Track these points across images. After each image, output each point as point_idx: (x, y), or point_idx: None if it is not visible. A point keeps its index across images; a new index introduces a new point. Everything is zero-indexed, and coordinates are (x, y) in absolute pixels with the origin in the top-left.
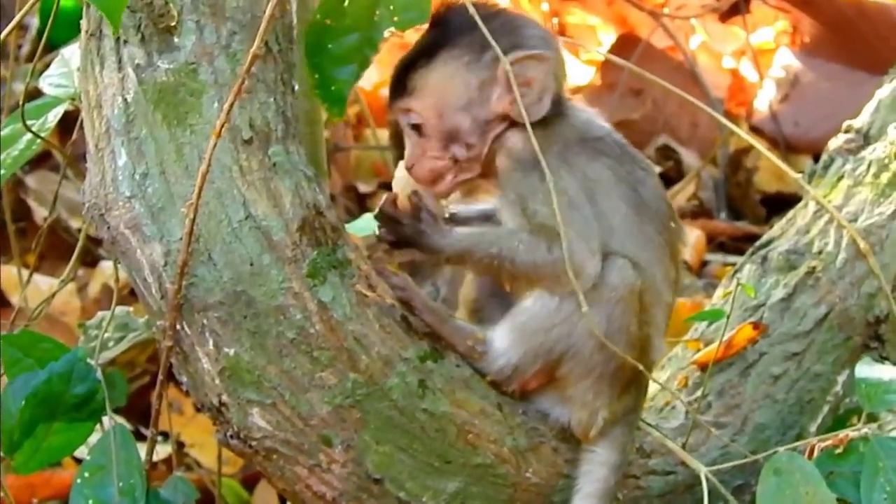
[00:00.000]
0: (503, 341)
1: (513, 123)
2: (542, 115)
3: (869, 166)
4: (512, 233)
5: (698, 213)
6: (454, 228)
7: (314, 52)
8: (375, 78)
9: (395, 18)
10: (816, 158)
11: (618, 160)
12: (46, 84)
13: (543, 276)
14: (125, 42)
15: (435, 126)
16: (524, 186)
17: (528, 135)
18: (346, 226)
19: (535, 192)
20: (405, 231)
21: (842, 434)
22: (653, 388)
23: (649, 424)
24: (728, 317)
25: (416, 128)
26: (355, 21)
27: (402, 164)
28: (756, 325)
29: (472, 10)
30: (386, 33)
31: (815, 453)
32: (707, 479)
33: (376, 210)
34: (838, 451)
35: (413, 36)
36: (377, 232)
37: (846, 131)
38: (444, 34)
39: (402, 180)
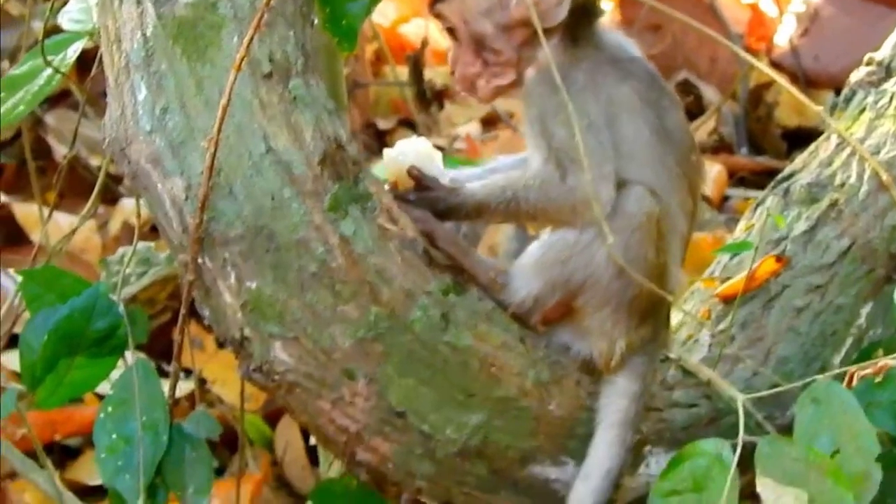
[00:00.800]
0: (523, 273)
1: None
2: (560, 19)
3: (891, 99)
4: (522, 173)
5: (719, 148)
6: (464, 186)
7: None
8: (393, 14)
9: None
10: (837, 92)
11: (647, 85)
12: (65, 20)
13: (560, 209)
14: None
15: (463, 31)
16: (547, 103)
17: (561, 50)
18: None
19: (557, 111)
20: (419, 206)
21: (881, 363)
22: (675, 321)
23: (675, 360)
24: (756, 249)
25: (451, 32)
26: None
27: (387, 150)
28: (779, 258)
29: None
30: None
31: (854, 382)
32: (742, 407)
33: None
34: (878, 380)
35: None
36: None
37: (867, 64)
38: None
39: (391, 162)
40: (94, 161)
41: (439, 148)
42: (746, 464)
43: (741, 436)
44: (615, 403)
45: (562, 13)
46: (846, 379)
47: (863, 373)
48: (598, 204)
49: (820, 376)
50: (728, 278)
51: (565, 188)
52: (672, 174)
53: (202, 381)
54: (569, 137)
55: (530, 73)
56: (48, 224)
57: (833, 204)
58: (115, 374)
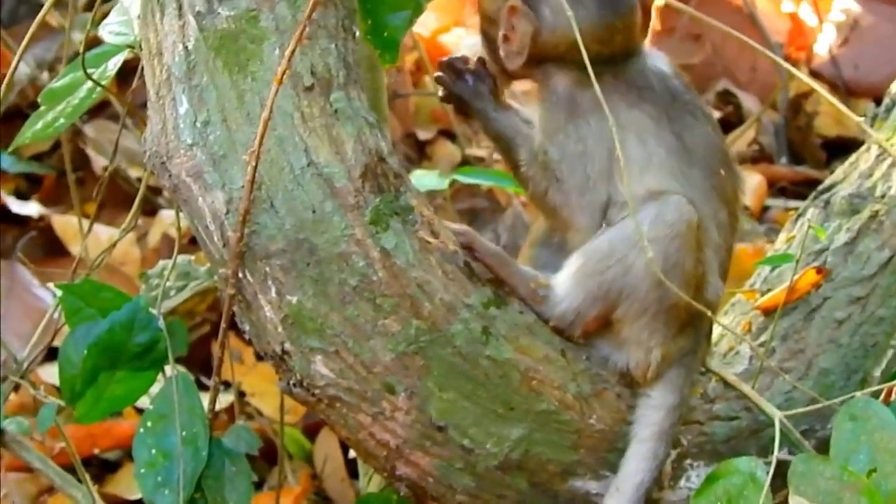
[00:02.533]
0: (564, 286)
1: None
2: (516, 67)
3: None
4: (538, 150)
5: (759, 158)
6: (508, 110)
7: None
8: (434, 24)
9: None
10: (877, 102)
11: (663, 108)
12: (106, 32)
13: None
14: None
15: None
16: (548, 121)
17: (571, 71)
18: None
19: (556, 132)
20: (462, 86)
21: None
22: (716, 333)
23: (714, 372)
24: (797, 261)
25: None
26: None
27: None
28: (819, 270)
29: None
30: None
31: (893, 397)
32: (783, 426)
33: (443, 60)
34: None
35: None
36: (435, 74)
37: None
38: None
39: (475, 46)
40: (134, 172)
41: (479, 159)
42: (784, 481)
43: (776, 454)
44: (650, 416)
45: (519, 61)
46: (884, 394)
47: None
48: (570, 231)
49: (858, 393)
50: (768, 290)
51: (548, 198)
52: (698, 188)
53: (241, 394)
54: (559, 160)
55: (542, 89)
56: (88, 236)
57: (874, 215)
58: (155, 387)
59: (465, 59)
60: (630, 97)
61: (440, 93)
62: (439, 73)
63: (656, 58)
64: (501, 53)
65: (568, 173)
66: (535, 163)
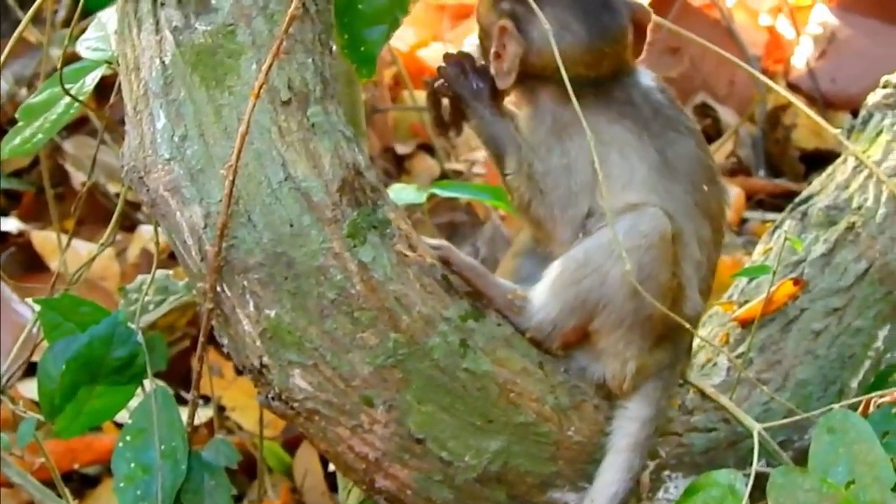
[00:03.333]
0: (541, 296)
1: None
2: (506, 86)
3: None
4: (523, 161)
5: (737, 170)
6: (504, 116)
7: (344, 12)
8: (412, 39)
9: None
10: (854, 115)
11: (644, 124)
12: (83, 48)
13: (528, 218)
14: (162, 4)
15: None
16: (532, 135)
17: (555, 87)
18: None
19: (541, 146)
20: (465, 84)
21: None
22: (694, 345)
23: (692, 384)
24: (774, 272)
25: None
26: None
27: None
28: (797, 281)
29: None
30: None
31: (871, 410)
32: (761, 437)
33: (450, 54)
34: (895, 409)
35: None
36: (439, 65)
37: (884, 86)
38: None
39: (477, 49)
40: (113, 188)
41: (457, 173)
42: (763, 493)
43: (754, 467)
44: (626, 428)
45: (508, 80)
46: (862, 406)
47: (880, 401)
48: (551, 243)
49: (836, 405)
50: (746, 302)
51: (530, 210)
52: (680, 203)
53: (221, 409)
54: (543, 173)
55: (529, 103)
56: (66, 252)
57: (850, 227)
58: (134, 402)
59: (471, 58)
60: (611, 114)
61: (437, 83)
62: (443, 65)
63: (642, 73)
64: (492, 70)
65: (552, 187)
66: (521, 174)
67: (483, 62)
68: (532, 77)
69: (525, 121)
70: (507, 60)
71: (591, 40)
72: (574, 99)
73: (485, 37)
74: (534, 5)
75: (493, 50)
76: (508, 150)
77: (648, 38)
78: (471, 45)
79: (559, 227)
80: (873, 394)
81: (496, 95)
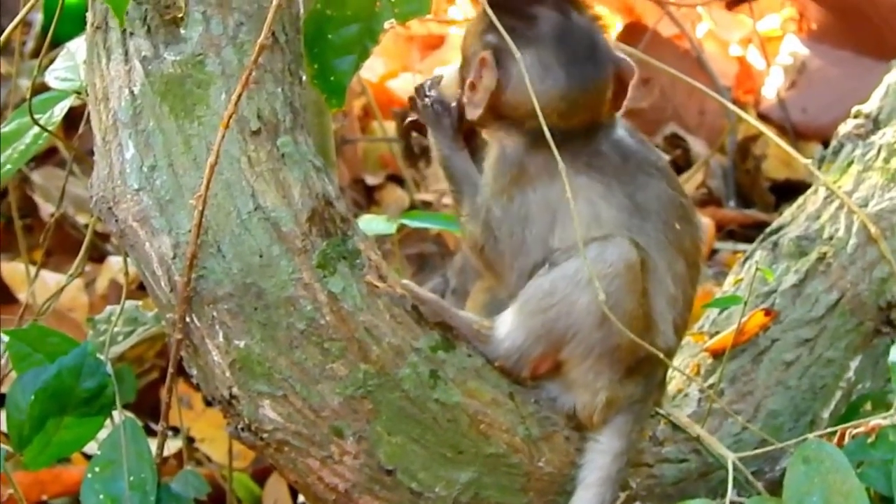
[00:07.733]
0: (507, 325)
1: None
2: (475, 118)
3: (879, 151)
4: (481, 206)
5: (707, 201)
6: (464, 152)
7: (314, 42)
8: (381, 70)
9: (396, 10)
10: (825, 145)
11: (613, 172)
12: (52, 78)
13: (478, 259)
14: (131, 34)
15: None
16: (495, 180)
17: (524, 134)
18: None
19: (501, 193)
20: (427, 112)
21: (872, 422)
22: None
23: (665, 415)
24: (745, 303)
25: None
26: (356, 11)
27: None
28: (768, 312)
29: None
30: (386, 25)
31: (846, 440)
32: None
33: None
34: (870, 440)
35: (416, 27)
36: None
37: (855, 116)
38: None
39: (452, 80)
40: (82, 219)
41: (427, 204)
42: None
43: (729, 496)
44: (597, 461)
45: (477, 112)
46: (837, 437)
47: (855, 431)
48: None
49: (811, 435)
50: (717, 332)
51: (482, 256)
52: (651, 240)
53: (190, 440)
54: (500, 220)
55: (492, 147)
56: (35, 283)
57: (822, 257)
58: (103, 433)
59: (438, 81)
60: (578, 165)
61: (409, 116)
62: (413, 97)
63: (615, 124)
64: (464, 99)
65: (506, 234)
66: (477, 218)
67: (458, 94)
68: (505, 119)
69: (491, 163)
70: (479, 91)
71: (570, 88)
72: (556, 151)
73: (465, 65)
74: (509, 41)
75: (469, 79)
76: (464, 189)
77: (629, 95)
78: (449, 75)
79: (507, 273)
80: (848, 424)
81: (464, 131)
